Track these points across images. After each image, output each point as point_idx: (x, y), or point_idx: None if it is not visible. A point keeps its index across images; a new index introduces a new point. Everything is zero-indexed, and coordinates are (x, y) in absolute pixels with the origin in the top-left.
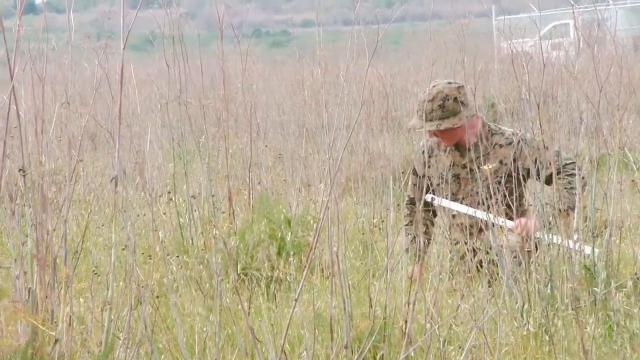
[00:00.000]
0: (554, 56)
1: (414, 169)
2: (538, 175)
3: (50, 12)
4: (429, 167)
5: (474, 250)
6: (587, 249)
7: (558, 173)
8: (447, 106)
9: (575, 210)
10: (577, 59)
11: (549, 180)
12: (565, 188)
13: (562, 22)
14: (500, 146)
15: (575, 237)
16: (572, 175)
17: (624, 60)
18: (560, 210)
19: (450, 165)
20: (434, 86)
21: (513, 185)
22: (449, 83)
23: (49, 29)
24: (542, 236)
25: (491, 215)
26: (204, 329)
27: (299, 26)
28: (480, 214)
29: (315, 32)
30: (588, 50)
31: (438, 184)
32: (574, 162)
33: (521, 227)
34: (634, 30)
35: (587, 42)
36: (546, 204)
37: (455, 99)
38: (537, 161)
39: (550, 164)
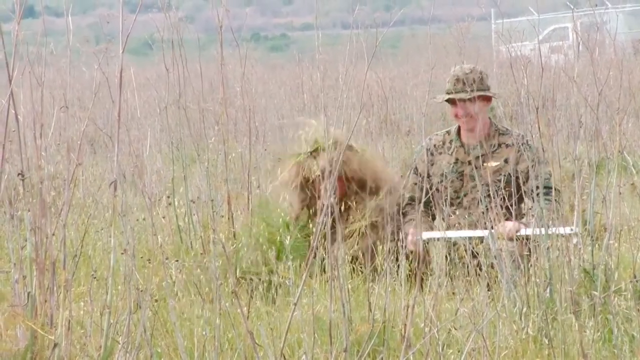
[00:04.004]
0: (553, 60)
1: (415, 167)
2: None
3: (49, 15)
4: (432, 164)
5: (473, 253)
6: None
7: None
8: (484, 79)
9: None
10: (576, 63)
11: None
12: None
13: (562, 26)
14: (507, 146)
15: (574, 240)
16: (545, 200)
17: (624, 64)
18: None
19: (454, 163)
20: (463, 66)
21: (512, 188)
22: None
23: (47, 33)
24: (525, 232)
25: (486, 231)
26: (204, 333)
27: (298, 30)
28: (473, 232)
29: (314, 36)
30: (587, 54)
31: (440, 182)
32: (553, 189)
33: (500, 233)
34: (634, 34)
35: (586, 46)
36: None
37: (487, 76)
38: (530, 169)
39: (536, 177)
